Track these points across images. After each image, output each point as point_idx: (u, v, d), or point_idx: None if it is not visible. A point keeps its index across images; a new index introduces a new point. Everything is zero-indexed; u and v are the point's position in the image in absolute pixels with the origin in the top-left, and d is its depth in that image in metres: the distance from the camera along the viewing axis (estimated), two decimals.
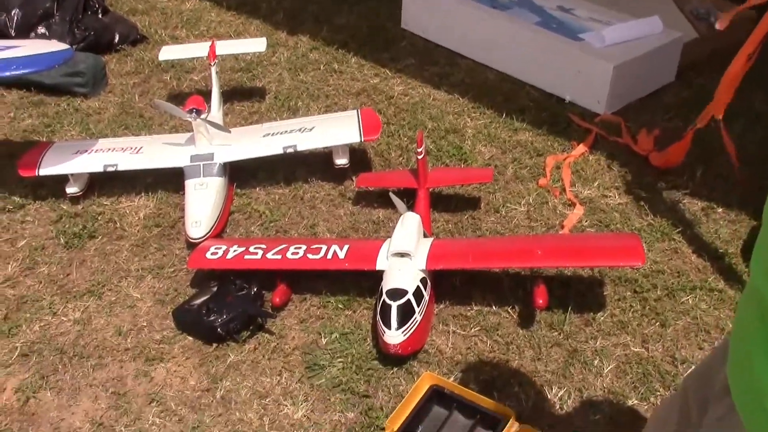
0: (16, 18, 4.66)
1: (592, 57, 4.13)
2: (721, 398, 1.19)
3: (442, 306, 2.95)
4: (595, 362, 2.70)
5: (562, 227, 3.31)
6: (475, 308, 2.93)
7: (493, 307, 2.94)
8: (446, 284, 3.00)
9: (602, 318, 2.87)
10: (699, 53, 4.49)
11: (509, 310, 2.92)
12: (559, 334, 2.81)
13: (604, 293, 2.98)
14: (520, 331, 2.83)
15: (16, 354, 2.82)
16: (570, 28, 4.40)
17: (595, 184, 3.59)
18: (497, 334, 2.82)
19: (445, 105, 4.24)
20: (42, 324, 2.94)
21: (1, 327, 2.92)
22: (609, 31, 4.26)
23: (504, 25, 4.48)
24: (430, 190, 3.39)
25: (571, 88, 4.21)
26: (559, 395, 2.59)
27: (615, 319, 2.87)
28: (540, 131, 3.97)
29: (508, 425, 2.28)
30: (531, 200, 3.48)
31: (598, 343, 2.77)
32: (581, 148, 3.80)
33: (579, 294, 2.96)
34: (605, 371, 2.67)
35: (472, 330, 2.85)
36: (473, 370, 2.69)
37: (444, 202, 3.49)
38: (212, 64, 4.01)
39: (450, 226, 3.37)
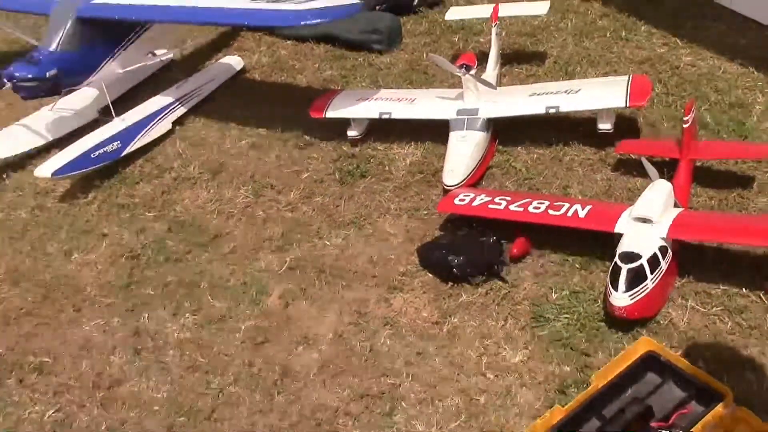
0: None
1: None
2: None
3: (684, 280, 2.81)
4: None
5: None
6: (721, 287, 2.76)
7: (743, 289, 2.74)
8: (694, 258, 2.85)
9: None
10: None
11: (761, 295, 2.70)
12: None
13: None
14: None
15: (285, 266, 3.24)
16: None
17: None
18: (741, 317, 2.64)
19: (735, 78, 3.93)
20: (309, 245, 3.34)
21: (278, 242, 3.37)
22: None
23: None
24: (696, 162, 3.21)
25: None
26: None
27: None
28: None
29: (723, 404, 2.15)
30: None
31: None
32: None
33: None
34: None
35: (714, 309, 2.69)
36: (705, 348, 2.56)
37: (711, 177, 3.28)
38: (494, 25, 4.13)
39: (713, 202, 3.17)
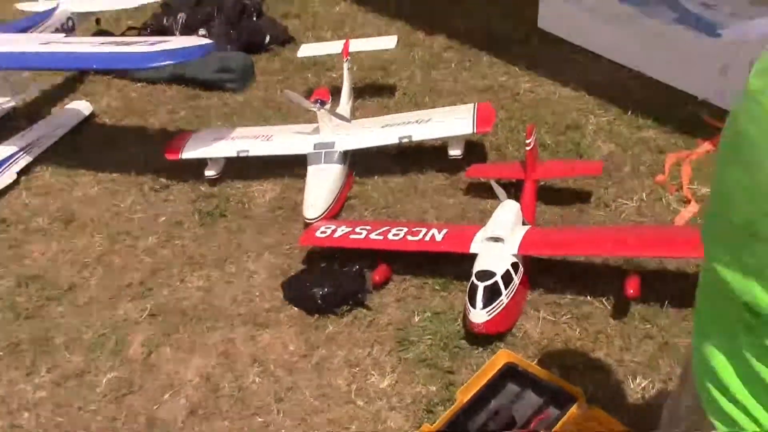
0: (181, 21, 5.17)
1: (730, 52, 3.95)
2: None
3: (536, 293, 2.97)
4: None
5: (673, 224, 3.22)
6: (568, 297, 2.94)
7: (588, 297, 2.92)
8: (542, 272, 3.02)
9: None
10: None
11: (603, 301, 2.90)
12: (653, 326, 2.76)
13: None
14: (612, 322, 2.80)
15: (146, 314, 3.16)
16: (709, 24, 4.23)
17: None
18: (587, 323, 2.82)
19: (570, 102, 4.22)
20: (170, 289, 3.28)
21: (137, 290, 3.29)
22: (753, 25, 4.05)
23: (641, 22, 4.39)
24: (540, 182, 3.41)
25: (708, 86, 4.04)
26: (642, 385, 2.55)
27: None
28: (665, 129, 3.87)
29: (575, 405, 2.29)
30: (644, 196, 3.42)
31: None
32: (707, 146, 3.67)
33: (677, 289, 2.88)
34: None
35: (563, 318, 2.86)
36: (558, 355, 2.71)
37: (554, 195, 3.49)
38: (345, 60, 4.25)
39: (557, 218, 3.38)
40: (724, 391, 0.96)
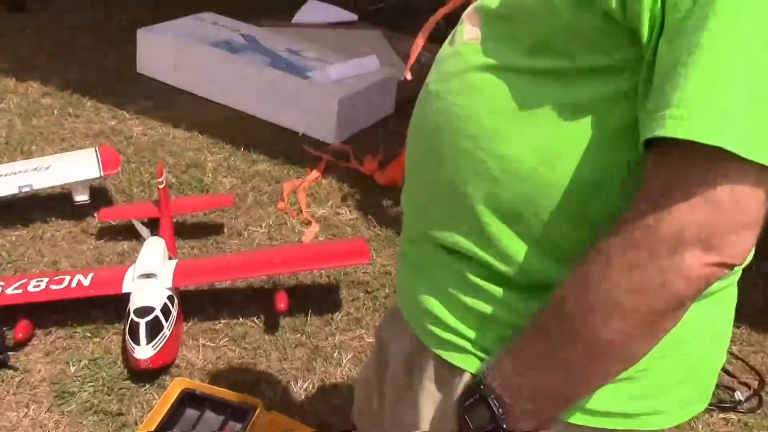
0: None
1: (319, 92, 4.53)
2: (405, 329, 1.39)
3: (190, 323, 3.09)
4: (335, 355, 2.99)
5: (301, 242, 3.61)
6: (222, 321, 3.11)
7: (240, 318, 3.13)
8: (194, 303, 3.15)
9: (339, 317, 3.18)
10: (414, 88, 5.07)
11: (255, 320, 3.13)
12: (302, 335, 3.07)
13: (340, 296, 3.30)
14: (267, 337, 3.05)
15: None
16: (298, 67, 4.79)
17: (329, 204, 3.95)
18: (245, 342, 3.02)
19: (184, 142, 4.40)
20: None
21: None
22: (333, 68, 4.70)
23: (238, 67, 4.77)
24: (174, 218, 3.53)
25: (304, 122, 4.57)
26: (304, 387, 2.84)
27: (351, 316, 3.20)
28: (277, 161, 4.27)
29: (256, 414, 2.47)
30: (271, 222, 3.75)
31: (336, 339, 3.07)
32: (315, 174, 4.15)
33: (317, 299, 3.26)
34: (344, 362, 2.97)
35: (221, 341, 3.02)
36: (224, 375, 2.86)
37: (189, 230, 3.64)
38: None
39: (195, 251, 3.53)
40: (441, 324, 1.24)
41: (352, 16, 6.26)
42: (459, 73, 1.14)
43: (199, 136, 4.47)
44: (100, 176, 3.56)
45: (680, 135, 0.85)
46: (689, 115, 0.85)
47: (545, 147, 1.04)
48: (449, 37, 1.24)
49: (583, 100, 1.00)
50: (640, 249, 0.90)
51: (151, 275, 2.94)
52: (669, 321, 0.95)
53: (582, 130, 1.01)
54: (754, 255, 1.01)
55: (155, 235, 3.33)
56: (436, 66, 1.24)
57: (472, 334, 1.17)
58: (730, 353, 3.16)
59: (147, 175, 4.04)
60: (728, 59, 0.84)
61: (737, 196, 0.86)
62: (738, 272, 1.15)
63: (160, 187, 3.41)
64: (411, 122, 1.29)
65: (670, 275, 0.89)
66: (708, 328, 1.17)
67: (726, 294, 1.19)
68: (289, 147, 4.43)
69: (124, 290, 2.93)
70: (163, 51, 5.00)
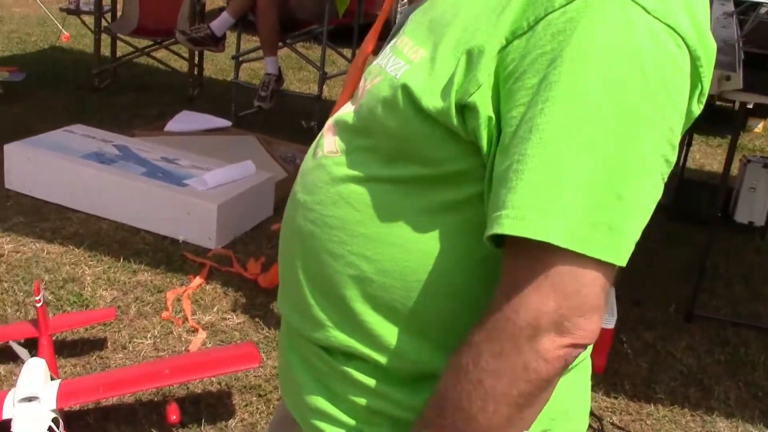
0: None
1: (198, 199, 4.58)
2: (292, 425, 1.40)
3: None
4: None
5: (188, 351, 3.58)
6: None
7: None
8: (81, 421, 3.05)
9: (234, 424, 3.16)
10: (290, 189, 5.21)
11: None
12: None
13: (233, 402, 3.28)
14: None
15: None
16: (175, 175, 4.83)
17: (215, 309, 3.95)
18: None
19: (60, 257, 4.30)
20: None
21: None
22: (209, 175, 4.77)
23: (112, 178, 4.75)
24: (54, 336, 3.43)
25: (184, 229, 4.58)
26: None
27: (245, 422, 3.18)
28: (158, 270, 4.25)
29: None
30: (156, 332, 3.70)
31: None
32: (198, 281, 4.16)
33: (210, 406, 3.23)
34: None
35: None
36: None
37: (70, 347, 3.54)
38: None
39: (78, 369, 3.42)
40: (329, 419, 1.26)
41: (226, 122, 6.39)
42: (324, 185, 1.22)
43: (76, 249, 4.38)
44: None
45: (516, 232, 0.96)
46: (522, 215, 0.96)
47: (413, 248, 1.13)
48: (311, 149, 1.33)
49: (443, 203, 1.11)
50: (503, 337, 0.99)
51: (33, 398, 2.83)
52: (540, 399, 1.03)
53: (444, 230, 1.12)
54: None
55: (35, 355, 3.22)
56: (301, 177, 1.31)
57: (363, 428, 1.22)
58: (612, 423, 3.37)
59: (21, 293, 3.91)
60: (554, 162, 0.96)
61: (579, 285, 0.97)
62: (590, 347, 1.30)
63: (38, 305, 3.32)
64: (283, 224, 1.35)
65: (532, 359, 0.98)
66: (581, 390, 1.31)
67: (584, 364, 1.33)
68: (170, 255, 4.41)
69: (5, 416, 2.80)
70: (33, 165, 4.92)
